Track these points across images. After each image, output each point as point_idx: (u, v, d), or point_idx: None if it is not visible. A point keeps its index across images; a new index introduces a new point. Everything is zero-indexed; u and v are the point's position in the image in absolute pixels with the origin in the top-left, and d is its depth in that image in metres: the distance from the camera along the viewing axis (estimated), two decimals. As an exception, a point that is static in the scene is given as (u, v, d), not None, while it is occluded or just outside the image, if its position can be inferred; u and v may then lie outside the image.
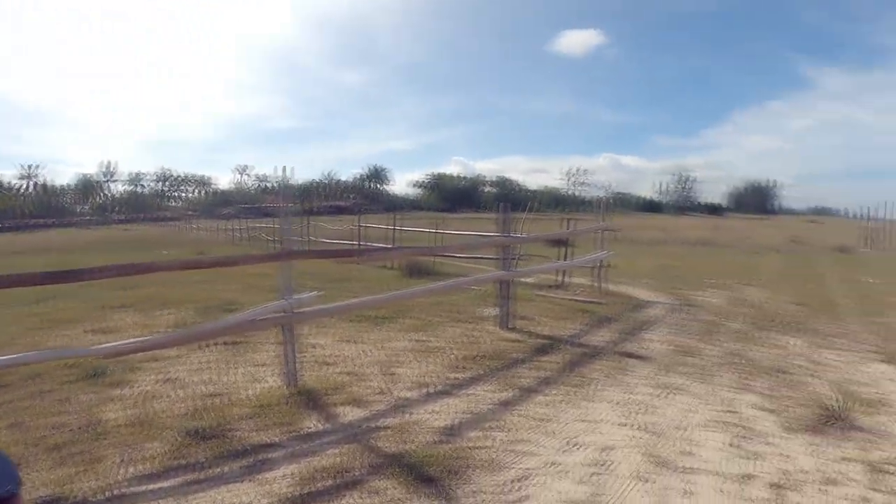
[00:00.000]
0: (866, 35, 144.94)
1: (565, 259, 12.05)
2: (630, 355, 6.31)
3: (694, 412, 4.57)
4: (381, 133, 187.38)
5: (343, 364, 5.48)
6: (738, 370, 5.73)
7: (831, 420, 4.25)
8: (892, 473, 3.50)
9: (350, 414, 4.18)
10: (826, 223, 74.36)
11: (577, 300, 9.84)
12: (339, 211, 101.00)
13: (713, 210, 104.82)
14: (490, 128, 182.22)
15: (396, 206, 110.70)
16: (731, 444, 3.94)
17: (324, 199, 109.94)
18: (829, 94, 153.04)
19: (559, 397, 4.82)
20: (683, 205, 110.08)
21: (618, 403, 4.74)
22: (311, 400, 4.38)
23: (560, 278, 11.68)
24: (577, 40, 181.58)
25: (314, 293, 5.09)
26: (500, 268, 8.00)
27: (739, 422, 4.36)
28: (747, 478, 3.44)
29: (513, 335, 7.07)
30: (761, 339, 7.16)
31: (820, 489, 3.31)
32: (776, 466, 3.60)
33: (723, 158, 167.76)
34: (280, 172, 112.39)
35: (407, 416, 4.17)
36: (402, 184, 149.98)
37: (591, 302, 9.61)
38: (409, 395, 4.66)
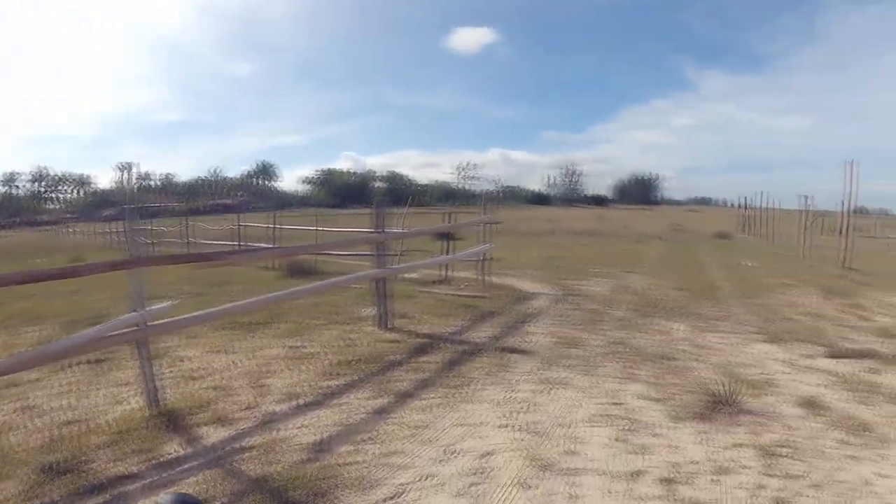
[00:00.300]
0: (747, 43, 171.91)
1: (448, 253, 11.97)
2: (512, 350, 6.32)
3: (578, 407, 4.55)
4: (271, 127, 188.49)
5: (211, 377, 5.40)
6: (623, 359, 5.90)
7: (719, 405, 4.42)
8: (785, 456, 3.66)
9: (214, 434, 4.09)
10: (706, 212, 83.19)
11: (460, 295, 9.84)
12: (227, 209, 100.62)
13: (599, 201, 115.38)
14: (382, 123, 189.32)
15: (286, 203, 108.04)
16: (617, 439, 3.92)
17: (210, 197, 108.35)
18: (710, 94, 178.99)
19: (437, 401, 4.72)
20: (571, 197, 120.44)
21: (499, 403, 4.68)
22: (173, 421, 4.28)
23: (444, 273, 11.65)
24: (470, 38, 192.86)
25: (169, 303, 5.08)
26: (376, 265, 7.79)
27: (625, 414, 4.39)
28: (636, 475, 3.41)
29: (391, 335, 7.02)
30: (645, 326, 7.52)
31: (712, 480, 3.35)
32: (665, 459, 3.62)
33: (609, 153, 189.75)
34: (166, 170, 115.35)
35: (275, 432, 4.11)
36: (292, 180, 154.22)
37: (474, 296, 9.66)
38: (278, 408, 4.61)
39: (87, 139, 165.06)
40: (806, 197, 19.96)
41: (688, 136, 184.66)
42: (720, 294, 10.17)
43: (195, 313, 5.71)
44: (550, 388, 5.01)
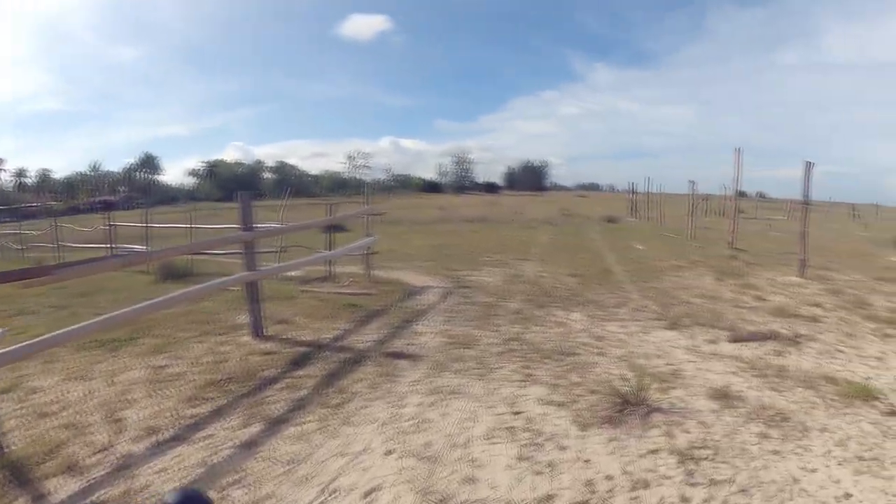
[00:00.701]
0: (635, 39, 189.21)
1: (331, 248, 11.20)
2: (400, 356, 5.78)
3: (474, 421, 4.10)
4: (156, 117, 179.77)
5: (65, 412, 4.68)
6: (520, 358, 5.57)
7: (628, 406, 4.15)
8: (706, 459, 3.45)
9: (63, 488, 3.51)
10: (593, 197, 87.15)
11: (344, 293, 9.20)
12: (108, 207, 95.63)
13: (490, 188, 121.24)
14: (272, 111, 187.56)
15: (171, 197, 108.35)
16: (521, 458, 3.52)
17: (91, 194, 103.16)
18: (598, 86, 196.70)
19: (315, 425, 4.13)
20: (462, 184, 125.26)
21: (384, 423, 4.14)
22: (19, 473, 3.68)
23: (328, 270, 10.94)
24: (363, 25, 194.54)
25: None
26: (245, 267, 6.95)
27: (528, 425, 4.00)
28: (546, 500, 3.00)
29: (267, 345, 6.29)
30: (541, 319, 7.30)
31: (632, 498, 3.04)
32: (577, 477, 3.27)
33: (500, 141, 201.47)
34: (44, 165, 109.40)
35: (130, 480, 3.57)
36: (178, 173, 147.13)
37: (360, 294, 9.10)
38: (135, 448, 4.03)
39: None
40: (692, 182, 21.00)
41: (575, 126, 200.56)
42: (615, 279, 10.23)
43: (27, 343, 4.75)
44: (442, 400, 4.53)
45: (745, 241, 16.37)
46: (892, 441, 3.86)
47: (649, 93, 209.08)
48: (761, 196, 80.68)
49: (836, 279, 10.39)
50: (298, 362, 5.65)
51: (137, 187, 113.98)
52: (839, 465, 3.50)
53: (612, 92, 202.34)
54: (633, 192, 35.32)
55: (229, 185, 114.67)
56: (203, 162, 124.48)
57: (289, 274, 10.38)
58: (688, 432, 3.86)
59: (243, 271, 6.91)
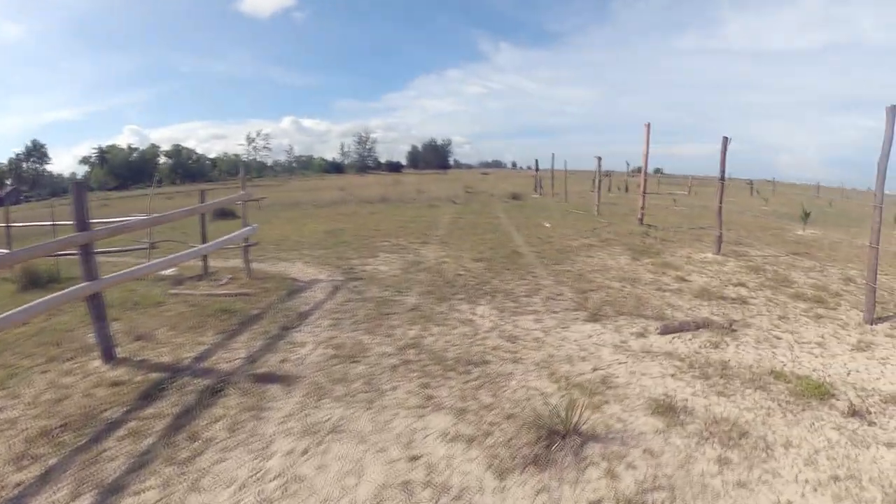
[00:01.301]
0: (539, 20, 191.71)
1: (204, 241, 9.77)
2: (271, 378, 4.69)
3: (360, 476, 3.14)
4: (45, 101, 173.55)
5: None
6: (419, 373, 4.63)
7: (556, 438, 3.28)
8: None
9: None
10: (497, 174, 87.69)
11: (219, 294, 7.96)
12: None
13: (393, 168, 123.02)
14: (168, 92, 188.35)
15: (63, 188, 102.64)
16: (418, 538, 2.53)
17: None
18: (502, 66, 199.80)
19: (155, 494, 3.09)
20: (365, 164, 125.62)
21: (243, 486, 3.13)
22: None
23: (204, 266, 9.62)
24: (264, 0, 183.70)
25: None
26: (82, 276, 5.51)
27: (429, 477, 3.09)
28: None
29: (118, 372, 5.04)
30: (444, 316, 6.41)
31: None
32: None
33: (404, 120, 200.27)
34: None
35: None
36: (70, 161, 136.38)
37: (236, 295, 7.88)
38: None
39: None
40: (599, 158, 20.64)
41: (479, 104, 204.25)
42: (524, 262, 9.51)
43: None
44: (319, 444, 3.52)
45: (653, 217, 16.21)
46: (862, 450, 3.34)
47: (553, 73, 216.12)
48: (659, 172, 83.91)
49: (752, 255, 10.15)
50: (149, 395, 4.45)
51: (24, 180, 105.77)
52: (815, 491, 2.93)
53: (516, 72, 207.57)
54: (536, 169, 35.19)
55: (123, 172, 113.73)
56: (95, 148, 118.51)
57: (165, 273, 9.19)
58: (633, 467, 3.08)
59: (82, 280, 5.53)
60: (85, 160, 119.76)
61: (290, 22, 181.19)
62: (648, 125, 15.21)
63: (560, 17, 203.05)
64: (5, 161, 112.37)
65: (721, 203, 10.51)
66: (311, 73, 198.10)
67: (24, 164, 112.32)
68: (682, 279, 8.08)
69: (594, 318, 6.09)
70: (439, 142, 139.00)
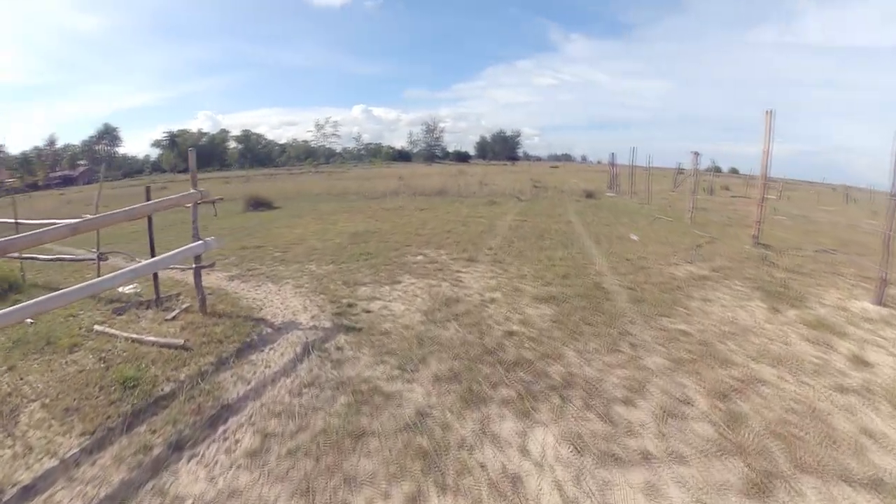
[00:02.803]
0: (610, 10, 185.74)
1: (153, 254, 6.90)
2: None
3: None
4: (123, 88, 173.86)
5: None
6: None
7: None
8: None
9: None
10: (567, 168, 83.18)
11: (144, 341, 5.09)
12: (67, 181, 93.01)
13: (461, 158, 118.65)
14: (242, 80, 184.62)
15: (136, 169, 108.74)
16: None
17: (50, 168, 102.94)
18: (573, 57, 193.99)
19: None
20: (432, 154, 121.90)
21: None
22: None
23: (155, 288, 6.87)
24: None
25: None
26: None
27: None
28: None
29: None
30: (465, 456, 3.33)
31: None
32: None
33: (473, 110, 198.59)
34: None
35: None
36: (144, 144, 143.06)
37: (162, 346, 4.90)
38: None
39: None
40: (696, 154, 16.78)
41: (550, 96, 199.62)
42: (612, 308, 6.18)
43: None
44: None
45: (767, 230, 12.39)
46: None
47: (624, 65, 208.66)
48: (734, 171, 77.23)
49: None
50: None
51: (98, 160, 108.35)
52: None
53: (588, 63, 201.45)
54: (612, 165, 31.26)
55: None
56: (166, 132, 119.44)
57: (122, 290, 7.21)
58: None
59: None
60: (157, 143, 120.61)
61: (361, 11, 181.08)
62: (770, 113, 11.39)
63: (632, 7, 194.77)
64: (79, 143, 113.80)
65: (891, 231, 6.83)
66: (381, 61, 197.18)
67: (98, 146, 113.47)
68: (859, 360, 4.68)
69: (761, 483, 2.78)
70: (508, 133, 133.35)
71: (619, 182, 28.70)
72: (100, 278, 4.91)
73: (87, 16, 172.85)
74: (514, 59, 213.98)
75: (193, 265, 6.21)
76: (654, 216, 16.45)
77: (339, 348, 4.94)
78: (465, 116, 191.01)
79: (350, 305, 6.23)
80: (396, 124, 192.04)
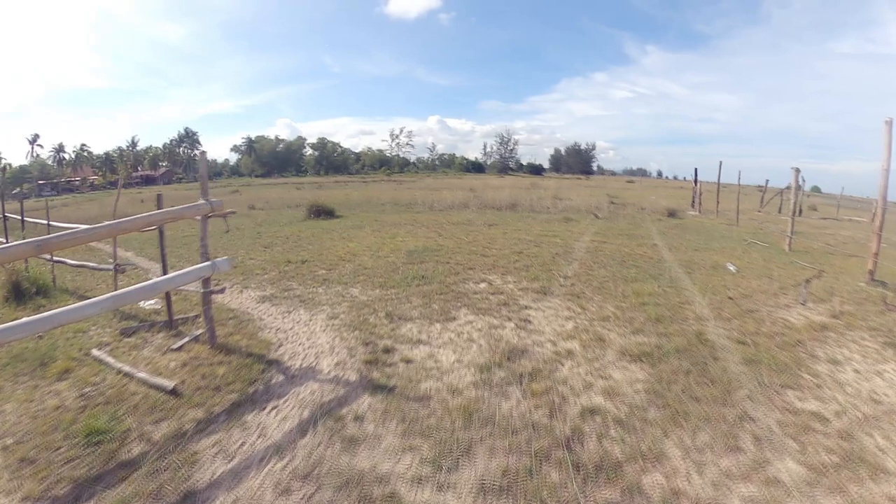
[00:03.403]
0: (685, 21, 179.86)
1: (165, 271, 5.92)
2: None
3: None
4: (205, 94, 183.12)
5: None
6: None
7: None
8: None
9: None
10: (643, 183, 79.87)
11: (136, 377, 4.47)
12: (148, 181, 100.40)
13: (535, 170, 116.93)
14: (319, 89, 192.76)
15: (216, 172, 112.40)
16: None
17: (132, 168, 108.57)
18: (648, 69, 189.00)
19: None
20: (506, 165, 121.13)
21: None
22: None
23: (168, 309, 6.00)
24: (410, 3, 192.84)
25: None
26: None
27: None
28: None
29: None
30: None
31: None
32: None
33: (548, 123, 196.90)
34: (88, 142, 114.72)
35: None
36: (224, 148, 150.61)
37: (154, 386, 4.29)
38: None
39: (7, 114, 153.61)
40: (796, 170, 14.54)
41: (625, 109, 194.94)
42: (721, 374, 4.70)
43: None
44: None
45: (865, 261, 10.38)
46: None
47: (700, 78, 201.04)
48: (817, 191, 71.61)
49: None
50: None
51: (178, 162, 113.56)
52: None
53: (663, 75, 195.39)
54: (695, 181, 28.98)
55: (270, 161, 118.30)
56: (244, 138, 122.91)
57: (143, 304, 6.54)
58: None
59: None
60: (235, 148, 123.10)
61: (435, 23, 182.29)
62: (890, 122, 9.41)
63: (708, 17, 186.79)
64: (161, 145, 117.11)
65: None
66: (456, 73, 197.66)
67: (179, 149, 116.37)
68: None
69: None
70: (583, 146, 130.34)
71: (702, 200, 26.46)
72: (100, 298, 3.87)
73: (173, 25, 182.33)
74: (589, 72, 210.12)
75: (202, 289, 5.12)
76: (746, 240, 14.52)
77: (358, 418, 3.71)
78: (540, 129, 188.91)
79: (387, 351, 5.00)
80: (471, 135, 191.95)
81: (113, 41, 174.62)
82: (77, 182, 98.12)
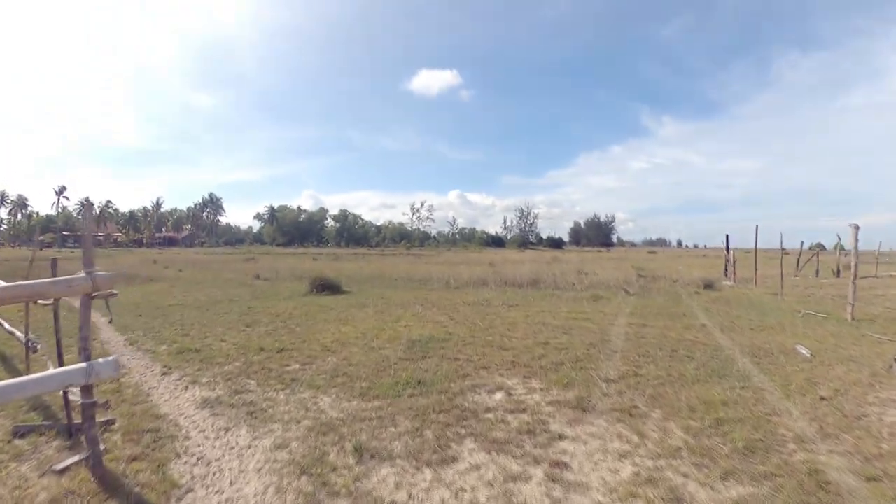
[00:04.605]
0: (700, 90, 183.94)
1: (59, 362, 4.09)
2: None
3: None
4: (231, 161, 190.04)
5: None
6: None
7: None
8: None
9: None
10: (665, 253, 77.35)
11: None
12: (170, 242, 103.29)
13: (555, 244, 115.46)
14: (343, 162, 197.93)
15: (238, 238, 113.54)
16: None
17: (155, 228, 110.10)
18: (665, 139, 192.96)
19: None
20: (526, 239, 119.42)
21: None
22: None
23: (66, 410, 4.22)
24: (432, 80, 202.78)
25: None
26: None
27: None
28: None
29: None
30: None
31: None
32: None
33: (567, 196, 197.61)
34: (107, 198, 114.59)
35: None
36: (247, 216, 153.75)
37: None
38: None
39: (43, 161, 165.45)
40: (856, 227, 12.37)
41: (643, 180, 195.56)
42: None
43: None
44: None
45: None
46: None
47: (716, 145, 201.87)
48: (842, 248, 68.11)
49: None
50: None
51: (202, 226, 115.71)
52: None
53: (680, 145, 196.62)
54: (727, 249, 26.73)
55: (291, 230, 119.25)
56: (267, 206, 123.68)
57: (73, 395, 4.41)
58: None
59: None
60: (258, 216, 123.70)
61: (456, 100, 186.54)
62: None
63: (721, 84, 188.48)
64: (185, 208, 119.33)
65: None
66: (476, 147, 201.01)
67: (203, 213, 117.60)
68: None
69: None
70: (602, 218, 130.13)
71: (735, 268, 24.13)
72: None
73: (203, 94, 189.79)
74: (606, 145, 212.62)
75: (80, 399, 3.21)
76: (800, 312, 12.27)
77: None
78: (559, 202, 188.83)
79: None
80: (491, 210, 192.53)
81: (147, 103, 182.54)
82: (101, 237, 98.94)
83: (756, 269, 21.42)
